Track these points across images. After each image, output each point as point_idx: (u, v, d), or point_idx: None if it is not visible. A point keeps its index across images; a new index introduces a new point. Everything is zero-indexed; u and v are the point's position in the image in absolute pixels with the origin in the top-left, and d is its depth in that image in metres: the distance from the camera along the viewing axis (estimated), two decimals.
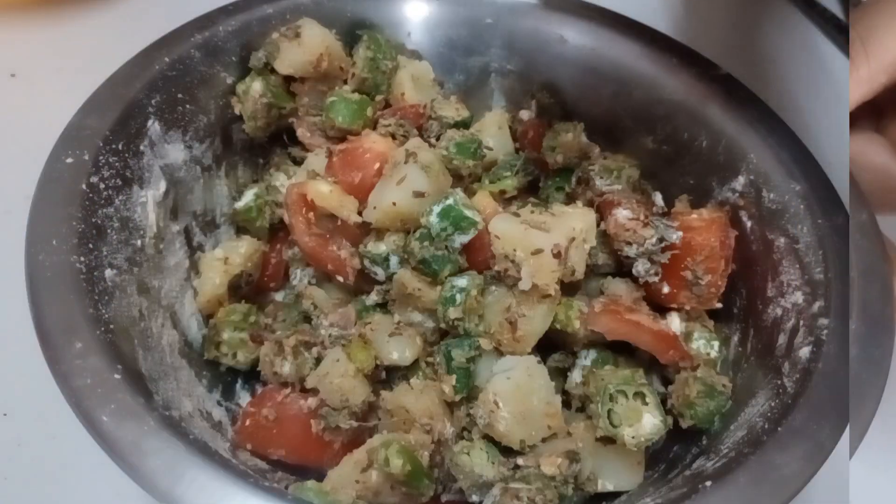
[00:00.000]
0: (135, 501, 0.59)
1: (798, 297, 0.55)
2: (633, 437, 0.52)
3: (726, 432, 0.52)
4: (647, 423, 0.52)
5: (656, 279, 0.60)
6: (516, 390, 0.53)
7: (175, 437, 0.42)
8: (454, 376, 0.55)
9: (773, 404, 0.50)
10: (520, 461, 0.53)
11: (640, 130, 0.69)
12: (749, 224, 0.62)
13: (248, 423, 0.58)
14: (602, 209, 0.62)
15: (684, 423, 0.56)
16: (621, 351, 0.61)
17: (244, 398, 0.64)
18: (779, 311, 0.57)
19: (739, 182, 0.63)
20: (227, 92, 0.67)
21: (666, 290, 0.61)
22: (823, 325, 0.52)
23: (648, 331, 0.58)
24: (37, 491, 0.60)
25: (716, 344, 0.61)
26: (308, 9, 0.68)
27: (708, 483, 0.45)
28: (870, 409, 0.48)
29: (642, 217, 0.60)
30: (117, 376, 0.44)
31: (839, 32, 1.04)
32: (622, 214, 0.60)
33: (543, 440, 0.54)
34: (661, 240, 0.59)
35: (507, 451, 0.54)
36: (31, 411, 0.63)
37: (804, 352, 0.52)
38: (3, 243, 0.65)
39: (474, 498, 0.54)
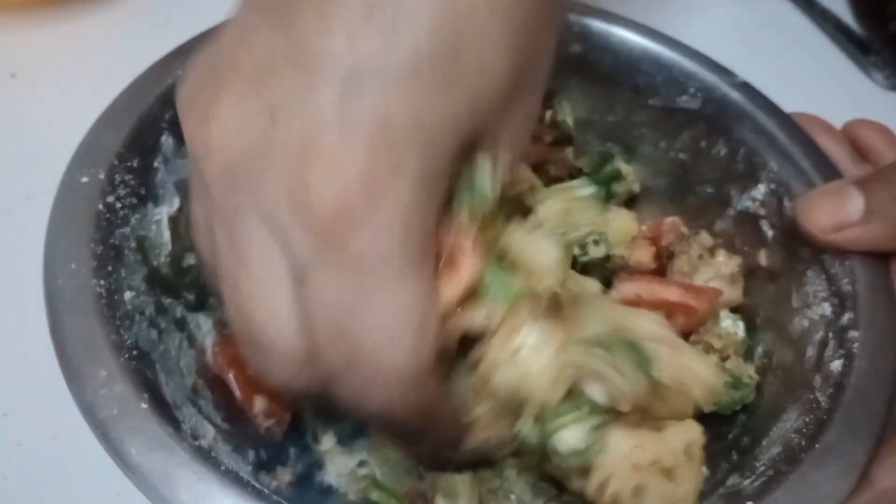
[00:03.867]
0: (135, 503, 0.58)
1: (826, 308, 0.55)
2: None
3: (758, 448, 0.51)
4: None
5: None
6: None
7: (206, 468, 0.41)
8: None
9: (807, 420, 0.49)
10: None
11: (657, 138, 0.68)
12: (771, 234, 0.61)
13: None
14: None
15: (706, 408, 0.54)
16: None
17: None
18: (805, 323, 0.56)
19: (760, 191, 0.62)
20: None
21: None
22: (854, 338, 0.52)
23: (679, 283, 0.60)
24: (37, 491, 0.60)
25: (741, 324, 0.61)
26: None
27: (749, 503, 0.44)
28: (878, 422, 0.48)
29: None
30: (144, 405, 0.43)
31: (839, 32, 1.04)
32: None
33: None
34: None
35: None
36: (31, 411, 0.62)
37: (835, 365, 0.51)
38: (3, 244, 0.64)
39: None
